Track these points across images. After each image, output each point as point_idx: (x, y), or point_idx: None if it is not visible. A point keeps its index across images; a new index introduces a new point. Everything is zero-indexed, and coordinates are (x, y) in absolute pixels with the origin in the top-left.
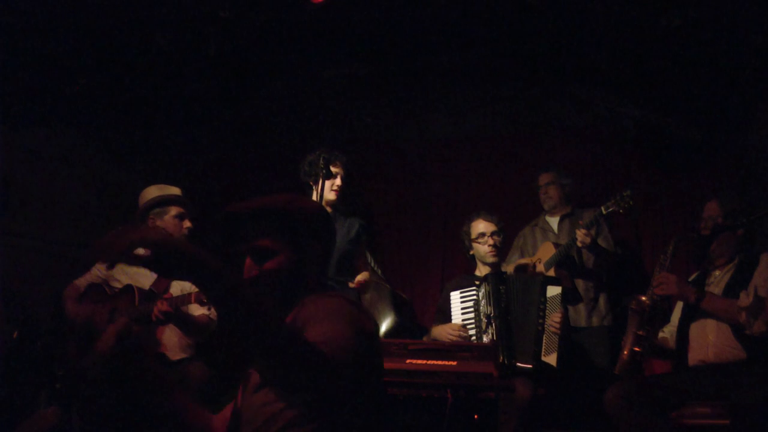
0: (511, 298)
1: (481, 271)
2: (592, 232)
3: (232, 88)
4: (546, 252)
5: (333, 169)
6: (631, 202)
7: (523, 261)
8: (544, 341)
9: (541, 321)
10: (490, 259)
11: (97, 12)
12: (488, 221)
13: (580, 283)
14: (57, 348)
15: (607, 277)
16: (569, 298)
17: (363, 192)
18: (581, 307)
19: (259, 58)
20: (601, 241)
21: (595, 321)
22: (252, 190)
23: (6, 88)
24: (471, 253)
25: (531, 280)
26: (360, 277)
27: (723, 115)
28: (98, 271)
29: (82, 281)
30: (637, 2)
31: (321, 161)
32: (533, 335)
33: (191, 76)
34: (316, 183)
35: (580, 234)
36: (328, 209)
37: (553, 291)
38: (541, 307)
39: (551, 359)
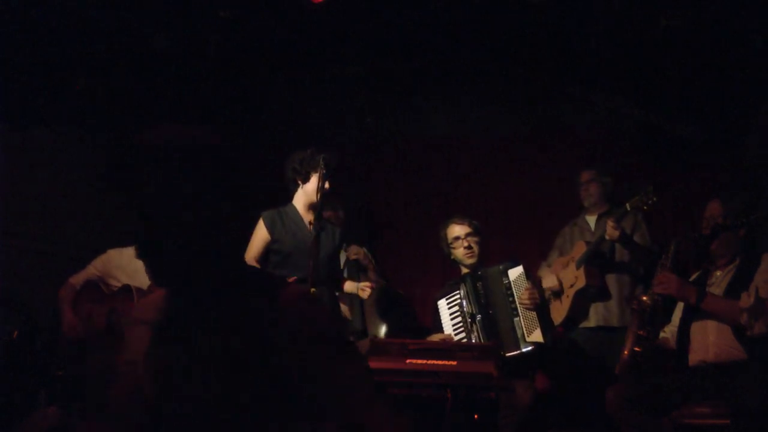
0: (489, 293)
1: (464, 272)
2: (624, 225)
3: (232, 88)
4: (579, 250)
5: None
6: (654, 198)
7: (558, 260)
8: (522, 323)
9: (513, 306)
10: (468, 261)
11: (97, 12)
12: (461, 224)
13: (614, 281)
14: (57, 348)
15: (644, 275)
16: (598, 296)
17: (363, 192)
18: (613, 305)
19: (259, 58)
20: (638, 238)
21: (628, 321)
22: (252, 191)
23: (6, 88)
24: (452, 258)
25: (494, 272)
26: (349, 287)
27: (723, 115)
28: (94, 269)
29: (78, 278)
30: (637, 2)
31: (321, 161)
32: (511, 323)
33: (191, 76)
34: (305, 181)
35: (609, 227)
36: (311, 214)
37: (514, 273)
38: (508, 292)
39: (536, 336)
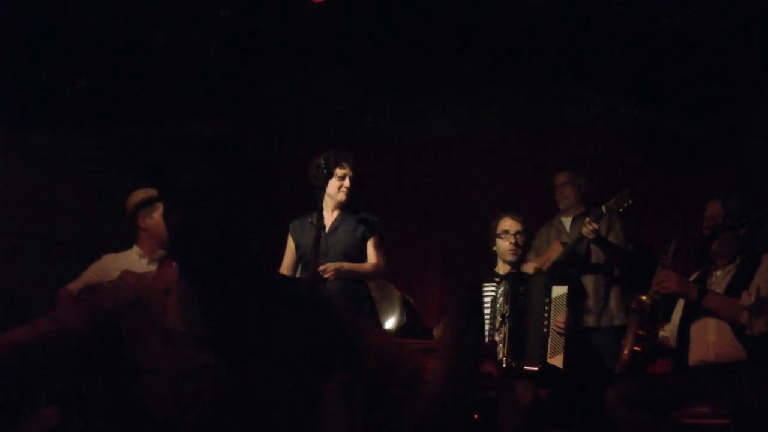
0: (528, 300)
1: (501, 268)
2: (596, 225)
3: (232, 88)
4: (555, 251)
5: (340, 171)
6: (630, 201)
7: (534, 260)
8: (549, 343)
9: (546, 323)
10: (509, 257)
11: (96, 12)
12: (515, 220)
13: (590, 282)
14: None
15: (619, 276)
16: (574, 297)
17: (363, 192)
18: (589, 305)
19: (259, 58)
20: (612, 238)
21: (604, 321)
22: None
23: (6, 88)
24: (494, 249)
25: (537, 281)
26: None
27: (723, 115)
28: (93, 273)
29: (75, 285)
30: (637, 2)
31: (322, 161)
32: (539, 337)
33: (191, 76)
34: (327, 181)
35: (586, 228)
36: (336, 211)
37: (558, 291)
38: (546, 308)
39: (557, 361)
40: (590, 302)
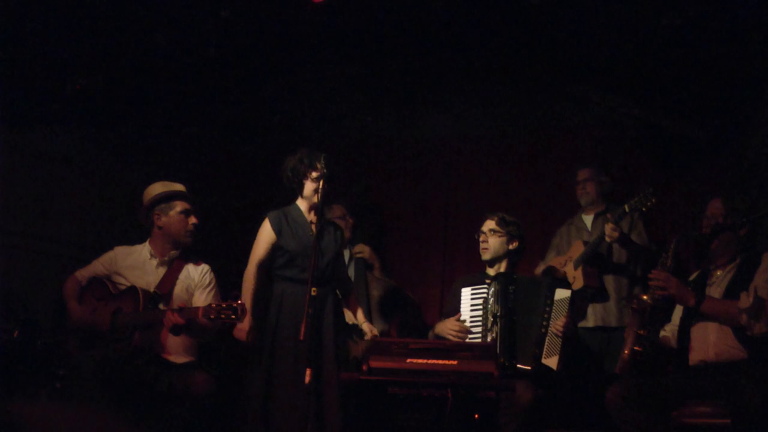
0: (519, 299)
1: (489, 270)
2: (621, 226)
3: (232, 88)
4: (577, 250)
5: (314, 174)
6: (653, 200)
7: (555, 260)
8: (546, 343)
9: (545, 323)
10: (483, 256)
11: (96, 12)
12: (490, 219)
13: (611, 281)
14: (57, 347)
15: (641, 275)
16: (596, 296)
17: (363, 192)
18: (612, 305)
19: (259, 58)
20: (635, 237)
21: (627, 320)
22: (252, 190)
23: (6, 88)
24: None
25: (539, 282)
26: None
27: (723, 115)
28: (101, 265)
29: (83, 274)
30: (637, 2)
31: (322, 161)
32: (535, 337)
33: (191, 76)
34: (300, 188)
35: (608, 228)
36: (313, 215)
37: (561, 294)
38: (547, 309)
39: (551, 362)
40: (612, 302)
